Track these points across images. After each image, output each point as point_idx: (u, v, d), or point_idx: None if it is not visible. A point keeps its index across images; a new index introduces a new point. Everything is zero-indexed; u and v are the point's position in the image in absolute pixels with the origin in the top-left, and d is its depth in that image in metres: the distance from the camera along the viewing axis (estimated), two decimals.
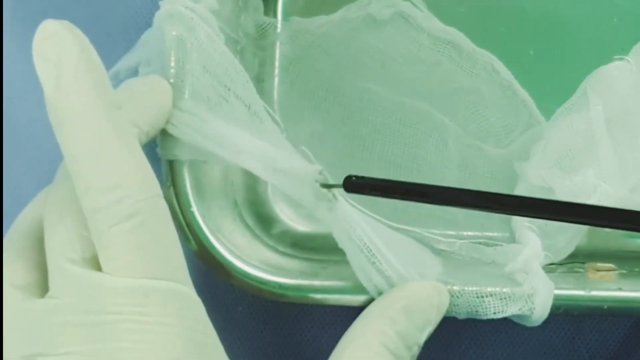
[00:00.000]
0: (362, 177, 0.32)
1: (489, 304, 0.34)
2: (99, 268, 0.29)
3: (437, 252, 0.38)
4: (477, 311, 0.34)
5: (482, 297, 0.34)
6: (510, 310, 0.34)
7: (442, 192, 0.31)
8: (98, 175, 0.28)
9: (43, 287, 0.29)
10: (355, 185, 0.32)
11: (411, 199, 0.32)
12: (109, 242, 0.28)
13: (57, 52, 0.29)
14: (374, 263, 0.33)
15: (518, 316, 0.35)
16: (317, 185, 0.33)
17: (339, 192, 0.33)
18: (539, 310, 0.34)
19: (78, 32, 0.29)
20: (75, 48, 0.29)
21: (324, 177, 0.33)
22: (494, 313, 0.34)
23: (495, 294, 0.34)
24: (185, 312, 0.29)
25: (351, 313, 0.34)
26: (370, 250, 0.33)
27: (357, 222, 0.33)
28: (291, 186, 0.33)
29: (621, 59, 0.40)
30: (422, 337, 0.33)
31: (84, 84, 0.29)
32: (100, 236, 0.28)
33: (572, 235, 0.38)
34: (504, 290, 0.34)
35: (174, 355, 0.28)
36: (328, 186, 0.33)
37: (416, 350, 0.32)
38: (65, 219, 0.29)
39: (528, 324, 0.35)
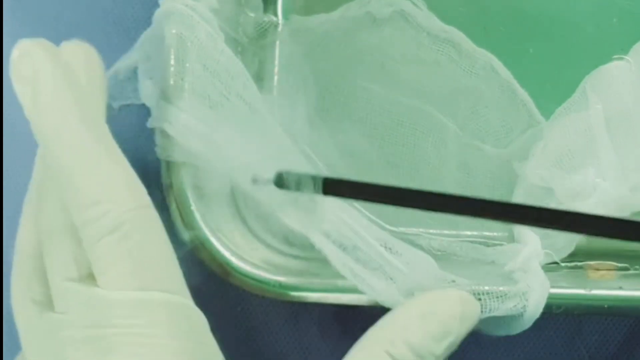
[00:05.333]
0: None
1: (485, 303, 0.34)
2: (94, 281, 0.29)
3: (438, 257, 0.38)
4: None
5: (479, 295, 0.34)
6: (504, 307, 0.34)
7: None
8: (83, 190, 0.29)
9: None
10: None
11: (346, 197, 0.32)
12: (98, 256, 0.29)
13: (32, 71, 0.29)
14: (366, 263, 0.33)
15: (509, 321, 0.35)
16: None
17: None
18: (531, 309, 0.34)
19: (53, 48, 0.30)
20: (49, 64, 0.29)
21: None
22: (490, 311, 0.34)
23: (492, 293, 0.34)
24: (177, 322, 0.29)
25: (351, 312, 0.34)
26: (380, 253, 0.33)
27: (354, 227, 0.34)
28: (273, 202, 0.34)
29: (621, 58, 0.40)
30: (439, 348, 0.32)
31: (60, 100, 0.29)
32: (90, 250, 0.29)
33: (572, 236, 0.38)
34: (500, 288, 0.34)
35: None
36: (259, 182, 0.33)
37: None
38: (58, 239, 0.30)
39: (521, 327, 0.35)
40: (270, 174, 0.32)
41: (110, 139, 0.30)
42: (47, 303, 0.30)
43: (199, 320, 0.30)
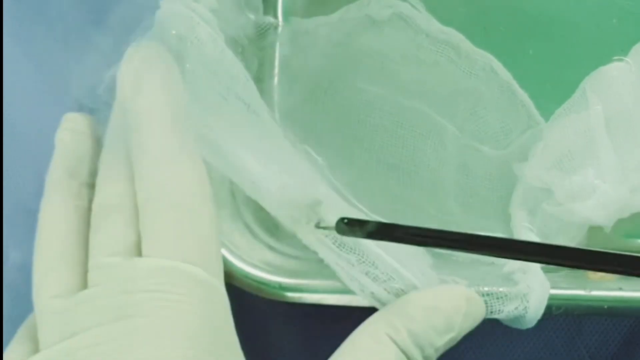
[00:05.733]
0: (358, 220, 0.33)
1: (487, 305, 0.34)
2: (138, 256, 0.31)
3: (436, 254, 0.38)
4: None
5: (479, 295, 0.34)
6: (506, 309, 0.34)
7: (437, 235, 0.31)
8: (159, 175, 0.31)
9: (84, 285, 0.31)
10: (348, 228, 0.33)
11: (405, 242, 0.32)
12: (154, 226, 0.31)
13: (140, 64, 0.33)
14: (376, 277, 0.33)
15: (512, 319, 0.35)
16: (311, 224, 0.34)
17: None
18: (533, 310, 0.34)
19: (166, 53, 0.34)
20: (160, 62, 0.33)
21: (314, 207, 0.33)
22: (491, 312, 0.34)
23: (492, 294, 0.34)
24: (208, 298, 0.30)
25: (351, 312, 0.34)
26: (374, 262, 0.33)
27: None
28: (270, 205, 0.34)
29: (620, 59, 0.40)
30: (440, 341, 0.32)
31: (159, 92, 0.33)
32: (147, 221, 0.31)
33: (572, 236, 0.38)
34: (500, 289, 0.34)
35: (188, 334, 0.29)
36: (322, 228, 0.34)
37: (431, 352, 0.32)
38: (112, 215, 0.32)
39: (522, 326, 0.35)
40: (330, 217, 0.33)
41: (190, 137, 0.33)
42: (71, 285, 0.31)
43: (225, 303, 0.32)
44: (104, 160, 0.34)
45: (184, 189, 0.31)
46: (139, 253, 0.31)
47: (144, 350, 0.28)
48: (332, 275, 0.34)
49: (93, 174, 0.34)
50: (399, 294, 0.33)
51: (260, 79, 0.41)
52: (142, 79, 0.33)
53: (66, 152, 0.34)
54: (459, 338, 0.33)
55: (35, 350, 0.31)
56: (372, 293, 0.33)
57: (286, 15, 0.42)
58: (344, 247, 0.34)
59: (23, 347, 0.31)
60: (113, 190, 0.32)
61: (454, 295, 0.33)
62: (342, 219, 0.32)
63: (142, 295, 0.29)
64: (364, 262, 0.33)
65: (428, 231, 0.31)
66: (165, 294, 0.29)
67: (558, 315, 0.36)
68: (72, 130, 0.35)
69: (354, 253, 0.33)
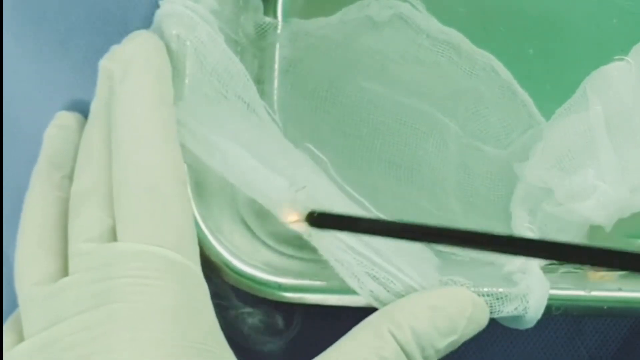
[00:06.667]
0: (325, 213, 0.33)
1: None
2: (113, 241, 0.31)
3: (436, 253, 0.38)
4: None
5: (479, 296, 0.34)
6: (506, 309, 0.34)
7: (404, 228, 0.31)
8: (135, 154, 0.32)
9: (64, 273, 0.31)
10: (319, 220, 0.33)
11: (375, 235, 0.32)
12: (128, 210, 0.31)
13: (130, 53, 0.33)
14: (375, 277, 0.33)
15: (512, 318, 0.35)
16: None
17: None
18: (532, 310, 0.34)
19: (160, 43, 0.34)
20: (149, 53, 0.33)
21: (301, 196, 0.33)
22: (491, 313, 0.34)
23: (492, 294, 0.34)
24: (185, 282, 0.31)
25: (351, 313, 0.34)
26: (373, 261, 0.33)
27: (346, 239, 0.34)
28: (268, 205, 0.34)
29: (621, 59, 0.40)
30: (442, 343, 0.32)
31: (144, 82, 0.33)
32: (122, 205, 0.31)
33: (572, 236, 0.38)
34: (500, 290, 0.34)
35: (169, 318, 0.29)
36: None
37: (431, 353, 0.32)
38: (89, 201, 0.32)
39: (522, 326, 0.35)
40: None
41: (173, 125, 0.33)
42: (52, 277, 0.31)
43: (202, 286, 0.32)
44: (82, 148, 0.34)
45: (158, 173, 0.32)
46: (115, 237, 0.31)
47: (127, 334, 0.29)
48: (332, 275, 0.34)
49: None
50: (398, 295, 0.33)
51: (260, 80, 0.41)
52: (131, 64, 0.33)
53: (51, 146, 0.35)
54: (460, 342, 0.33)
55: (21, 339, 0.31)
56: (371, 291, 0.34)
57: (286, 15, 0.42)
58: (346, 249, 0.34)
59: (8, 338, 0.32)
60: (89, 176, 0.32)
61: (460, 298, 0.33)
62: (312, 212, 0.33)
63: (122, 280, 0.30)
64: (363, 264, 0.33)
65: (397, 224, 0.31)
66: (144, 279, 0.30)
67: (558, 316, 0.36)
68: (60, 126, 0.35)
69: (354, 255, 0.33)
